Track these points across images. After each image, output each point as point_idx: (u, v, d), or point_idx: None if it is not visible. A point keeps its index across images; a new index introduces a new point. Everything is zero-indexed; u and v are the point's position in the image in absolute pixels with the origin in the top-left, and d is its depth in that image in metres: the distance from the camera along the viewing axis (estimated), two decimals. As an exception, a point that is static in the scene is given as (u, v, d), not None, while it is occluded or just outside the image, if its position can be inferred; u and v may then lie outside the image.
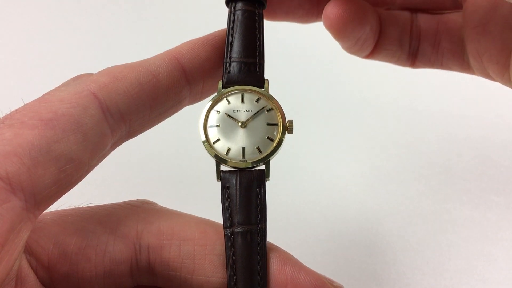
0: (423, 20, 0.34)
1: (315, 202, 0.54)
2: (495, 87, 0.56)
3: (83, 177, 0.25)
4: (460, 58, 0.33)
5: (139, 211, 0.26)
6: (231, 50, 0.28)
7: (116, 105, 0.25)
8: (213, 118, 0.27)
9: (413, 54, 0.34)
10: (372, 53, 0.34)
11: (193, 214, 0.27)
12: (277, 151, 0.27)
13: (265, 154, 0.26)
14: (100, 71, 0.27)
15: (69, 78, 0.27)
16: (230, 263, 0.25)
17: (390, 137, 0.56)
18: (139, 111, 0.26)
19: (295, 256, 0.27)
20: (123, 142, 0.27)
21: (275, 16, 0.33)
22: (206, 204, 0.53)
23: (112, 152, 0.27)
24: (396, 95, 0.59)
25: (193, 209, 0.29)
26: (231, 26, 0.28)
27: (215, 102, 0.27)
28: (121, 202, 0.27)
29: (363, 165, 0.55)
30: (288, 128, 0.27)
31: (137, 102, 0.26)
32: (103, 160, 0.26)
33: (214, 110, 0.27)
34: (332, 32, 0.30)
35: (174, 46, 0.29)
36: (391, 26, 0.33)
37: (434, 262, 0.49)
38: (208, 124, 0.27)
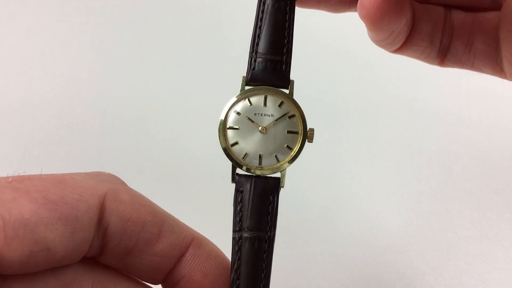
0: (457, 17, 0.32)
1: (315, 202, 0.54)
2: (496, 87, 0.56)
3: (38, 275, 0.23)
4: (493, 61, 0.31)
5: (98, 270, 0.25)
6: (257, 44, 0.27)
7: (114, 224, 0.24)
8: (233, 119, 0.27)
9: (443, 52, 0.32)
10: (401, 48, 0.32)
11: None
12: (295, 161, 0.27)
13: (281, 163, 0.26)
14: (131, 190, 0.26)
15: (103, 172, 0.27)
16: (235, 267, 0.25)
17: (390, 137, 0.56)
18: (120, 246, 0.25)
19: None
20: (80, 275, 0.25)
21: (306, 3, 0.31)
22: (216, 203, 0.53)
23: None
24: (395, 95, 0.59)
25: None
26: (259, 17, 0.27)
27: (236, 101, 0.27)
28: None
29: (362, 166, 0.55)
30: (308, 137, 0.27)
31: (128, 237, 0.25)
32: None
33: (234, 111, 0.27)
34: (367, 22, 0.28)
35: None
36: (424, 21, 0.31)
37: (434, 262, 0.49)
38: (227, 125, 0.27)
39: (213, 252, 0.26)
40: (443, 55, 0.32)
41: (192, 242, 0.26)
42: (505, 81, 0.32)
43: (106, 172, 0.27)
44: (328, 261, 0.50)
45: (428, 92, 0.58)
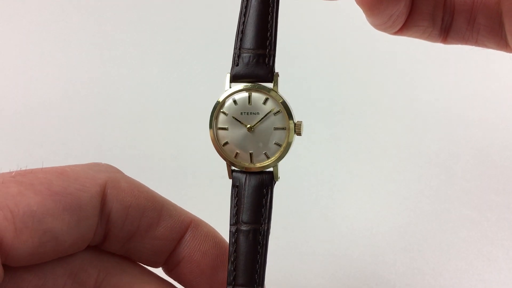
0: None
1: (315, 202, 0.54)
2: (496, 88, 0.56)
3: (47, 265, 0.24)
4: (497, 35, 0.30)
5: (103, 258, 0.26)
6: (241, 39, 0.27)
7: (116, 210, 0.25)
8: (221, 120, 0.27)
9: (446, 30, 0.31)
10: (402, 29, 0.31)
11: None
12: (285, 155, 0.27)
13: (272, 160, 0.27)
14: (129, 178, 0.27)
15: (100, 162, 0.27)
16: (232, 259, 0.26)
17: (390, 137, 0.56)
18: (123, 232, 0.26)
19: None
20: (84, 263, 0.26)
21: None
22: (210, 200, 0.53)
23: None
24: (396, 95, 0.59)
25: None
26: (243, 13, 0.27)
27: (222, 102, 0.27)
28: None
29: (363, 165, 0.55)
30: (296, 131, 0.27)
31: (130, 222, 0.26)
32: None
33: (221, 112, 0.27)
34: (365, 8, 0.28)
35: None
36: (423, 0, 0.30)
37: (434, 262, 0.49)
38: (217, 126, 0.27)
39: (211, 233, 0.28)
40: (446, 32, 0.31)
41: (190, 224, 0.27)
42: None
43: (103, 162, 0.27)
44: (328, 261, 0.50)
45: (428, 92, 0.58)
